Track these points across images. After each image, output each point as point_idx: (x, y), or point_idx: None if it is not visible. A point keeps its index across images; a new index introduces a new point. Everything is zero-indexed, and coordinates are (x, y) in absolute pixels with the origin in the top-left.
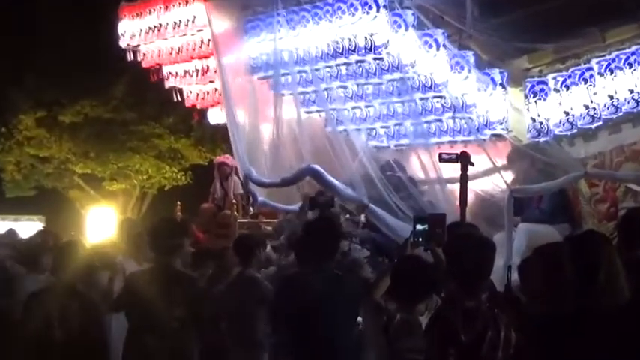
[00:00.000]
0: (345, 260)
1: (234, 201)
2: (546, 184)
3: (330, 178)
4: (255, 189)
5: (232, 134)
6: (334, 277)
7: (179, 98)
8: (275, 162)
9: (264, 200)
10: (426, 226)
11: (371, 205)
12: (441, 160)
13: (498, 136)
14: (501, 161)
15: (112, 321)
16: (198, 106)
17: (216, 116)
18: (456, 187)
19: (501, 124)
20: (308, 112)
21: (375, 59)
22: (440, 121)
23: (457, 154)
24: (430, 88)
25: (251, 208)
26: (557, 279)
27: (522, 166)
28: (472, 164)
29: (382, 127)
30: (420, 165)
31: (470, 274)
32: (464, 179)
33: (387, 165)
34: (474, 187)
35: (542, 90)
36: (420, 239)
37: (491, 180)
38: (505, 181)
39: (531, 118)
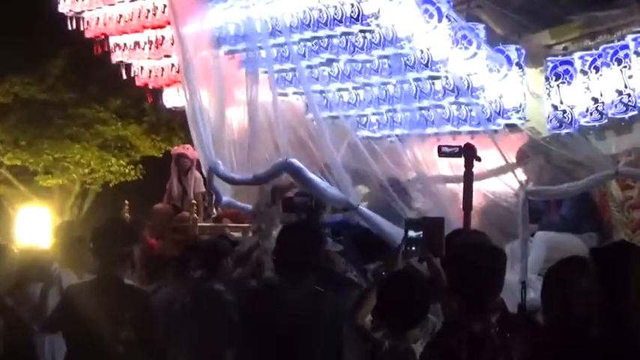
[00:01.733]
0: None
1: (193, 201)
2: (569, 185)
3: (312, 175)
4: (219, 186)
5: (193, 120)
6: (313, 294)
7: (128, 76)
8: (247, 155)
9: (230, 200)
10: (420, 233)
11: (361, 207)
12: (441, 153)
13: (512, 127)
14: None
15: (45, 344)
16: (151, 86)
17: (173, 98)
18: (459, 188)
19: (517, 111)
20: (284, 95)
21: (362, 31)
22: (440, 107)
23: (460, 146)
24: (427, 66)
25: (214, 210)
26: (580, 300)
27: (537, 162)
28: (479, 159)
29: (374, 114)
30: (415, 160)
31: (476, 292)
32: (468, 177)
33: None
34: (482, 187)
35: (566, 72)
36: (414, 248)
37: (503, 179)
38: (520, 181)
39: (552, 105)
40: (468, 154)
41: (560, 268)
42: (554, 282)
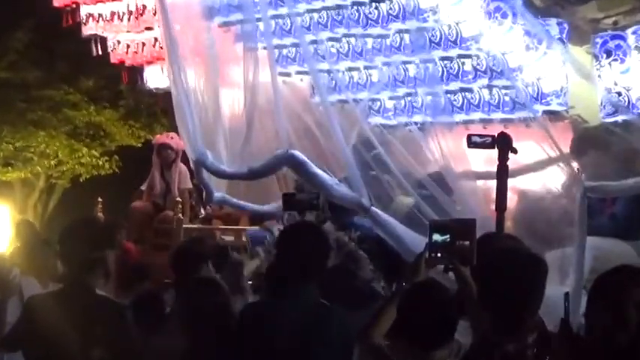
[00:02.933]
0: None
1: (178, 198)
2: (636, 180)
3: (317, 170)
4: (210, 181)
5: (179, 104)
6: (318, 309)
7: (102, 51)
8: (242, 145)
9: (224, 196)
10: (447, 237)
11: (373, 209)
12: (471, 143)
13: (554, 114)
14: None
15: None
16: (129, 64)
17: (155, 78)
18: (490, 185)
19: (558, 96)
20: (286, 75)
21: (376, 0)
22: (469, 90)
23: (493, 136)
24: (455, 43)
25: (202, 210)
26: (632, 317)
27: (594, 157)
28: (515, 151)
29: (390, 99)
30: (440, 152)
31: (512, 307)
32: (502, 172)
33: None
34: (516, 186)
35: (618, 48)
36: (439, 255)
37: (541, 176)
38: (577, 175)
39: (605, 88)
40: (503, 144)
41: (609, 280)
42: (601, 296)
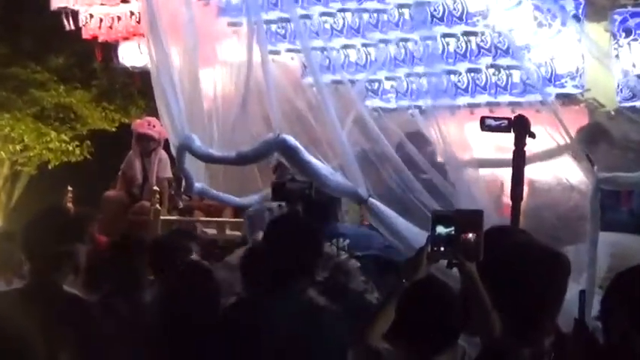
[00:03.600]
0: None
1: (155, 187)
2: None
3: (309, 157)
4: (191, 169)
5: (160, 84)
6: (308, 307)
7: (73, 26)
8: (231, 128)
9: (203, 187)
10: (452, 229)
11: (372, 200)
12: (485, 127)
13: (568, 97)
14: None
15: None
16: (102, 40)
17: (131, 56)
18: (498, 174)
19: (573, 78)
20: (275, 53)
21: None
22: (475, 70)
23: (510, 119)
24: (460, 19)
25: (180, 202)
26: None
27: (604, 146)
28: (533, 135)
29: (388, 79)
30: (441, 138)
31: (527, 307)
32: (519, 159)
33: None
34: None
35: (639, 26)
36: (442, 249)
37: (551, 166)
38: (590, 166)
39: (622, 70)
40: (520, 128)
41: (629, 278)
42: (619, 295)
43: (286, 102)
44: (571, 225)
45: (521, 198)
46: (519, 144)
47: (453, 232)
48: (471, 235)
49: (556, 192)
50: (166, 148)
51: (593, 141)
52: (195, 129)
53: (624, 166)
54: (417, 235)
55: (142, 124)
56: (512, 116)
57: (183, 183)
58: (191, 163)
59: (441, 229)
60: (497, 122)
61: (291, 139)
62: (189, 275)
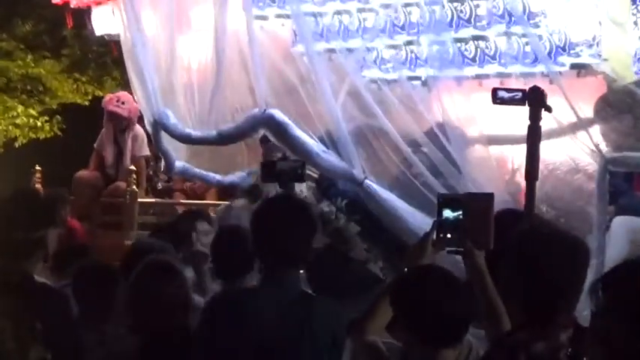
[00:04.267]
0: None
1: (132, 167)
2: None
3: (299, 133)
4: (170, 146)
5: (132, 54)
6: (300, 299)
7: None
8: (209, 103)
9: (184, 166)
10: (459, 214)
11: (367, 181)
12: (497, 99)
13: (583, 67)
14: (587, 109)
15: None
16: (73, 5)
17: (105, 23)
18: (508, 152)
19: (590, 46)
20: (263, 19)
21: None
22: (483, 38)
23: (524, 90)
24: None
25: (160, 183)
26: None
27: (623, 121)
28: (549, 109)
29: (388, 47)
30: (446, 113)
31: (542, 300)
32: (534, 135)
33: None
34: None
35: None
36: (449, 235)
37: (564, 143)
38: (596, 145)
39: None
40: (535, 101)
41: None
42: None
43: (274, 73)
44: (582, 205)
45: (537, 176)
46: (534, 118)
47: (460, 217)
48: (480, 221)
49: (567, 173)
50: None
51: (608, 112)
52: (171, 104)
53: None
54: (419, 220)
55: (110, 101)
56: (535, 85)
57: (162, 162)
58: (171, 141)
59: (448, 214)
60: (511, 94)
61: (279, 114)
62: (149, 277)
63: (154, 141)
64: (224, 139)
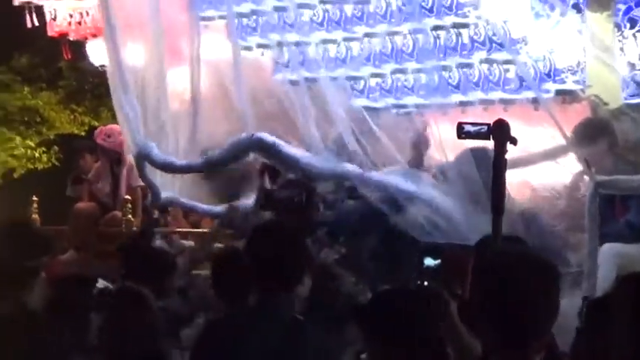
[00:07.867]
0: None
1: (127, 197)
2: None
3: (289, 149)
4: (156, 178)
5: (117, 85)
6: (289, 325)
7: (37, 22)
8: (191, 130)
9: (172, 197)
10: (439, 262)
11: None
12: (462, 134)
13: (568, 94)
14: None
15: None
16: (70, 37)
17: (100, 54)
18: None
19: (574, 73)
20: (246, 49)
21: None
22: (468, 66)
23: (488, 124)
24: (450, 9)
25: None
26: None
27: (603, 145)
28: (514, 142)
29: (374, 76)
30: (433, 140)
31: (515, 324)
32: (499, 167)
33: None
34: (523, 177)
35: None
36: (426, 283)
37: (552, 167)
38: (587, 168)
39: (628, 63)
40: (500, 134)
41: (633, 285)
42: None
43: (254, 103)
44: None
45: (503, 210)
46: (499, 152)
47: (439, 267)
48: (453, 273)
49: (554, 198)
50: None
51: (592, 138)
52: (156, 135)
53: (625, 169)
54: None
55: (99, 134)
56: (499, 118)
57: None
58: (156, 170)
59: (430, 262)
60: (476, 128)
61: (267, 137)
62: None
63: (138, 172)
64: (210, 165)
